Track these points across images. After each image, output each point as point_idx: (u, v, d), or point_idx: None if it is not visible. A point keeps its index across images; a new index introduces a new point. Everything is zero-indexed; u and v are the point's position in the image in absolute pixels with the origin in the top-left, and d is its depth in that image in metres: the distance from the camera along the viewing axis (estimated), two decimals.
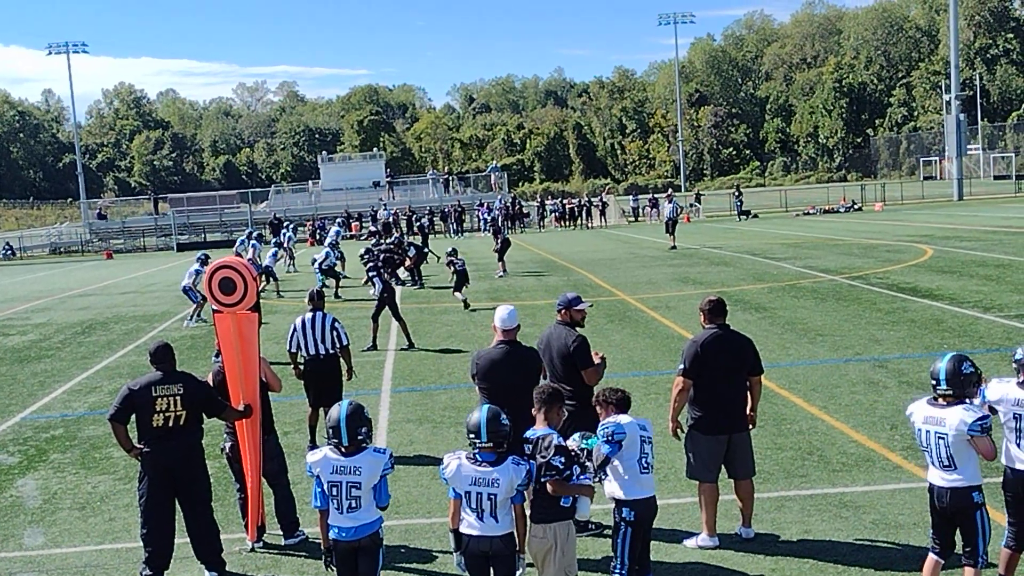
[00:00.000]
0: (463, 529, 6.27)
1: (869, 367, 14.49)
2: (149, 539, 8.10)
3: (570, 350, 8.45)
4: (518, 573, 6.39)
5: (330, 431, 6.47)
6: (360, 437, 6.45)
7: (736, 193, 61.88)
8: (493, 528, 6.20)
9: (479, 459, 6.25)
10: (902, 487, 9.32)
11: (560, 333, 8.60)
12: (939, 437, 6.40)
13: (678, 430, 8.48)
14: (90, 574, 8.41)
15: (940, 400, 6.47)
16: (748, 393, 8.46)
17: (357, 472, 6.36)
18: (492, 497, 6.17)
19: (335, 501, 6.39)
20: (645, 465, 6.74)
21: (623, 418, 6.80)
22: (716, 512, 8.32)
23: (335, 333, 11.60)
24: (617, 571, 6.72)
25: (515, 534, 6.27)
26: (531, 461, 6.31)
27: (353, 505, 6.38)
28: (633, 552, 6.65)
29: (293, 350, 11.72)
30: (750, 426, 8.51)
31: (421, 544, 8.62)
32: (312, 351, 11.57)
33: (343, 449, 6.43)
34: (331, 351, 11.61)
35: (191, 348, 19.77)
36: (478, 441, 6.25)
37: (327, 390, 11.43)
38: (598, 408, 7.04)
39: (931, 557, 6.74)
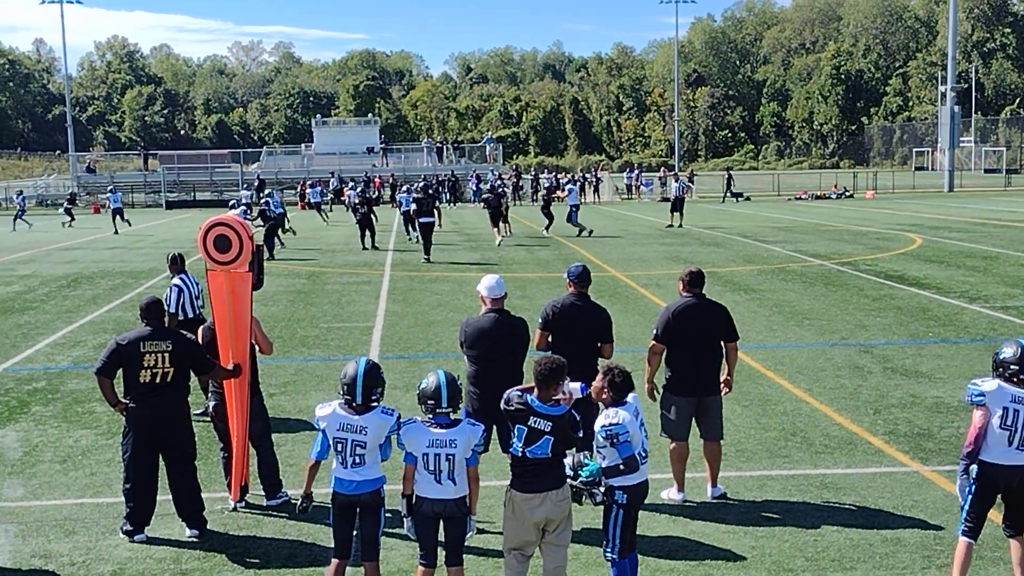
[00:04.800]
0: (418, 491, 6.30)
1: (855, 352, 14.54)
2: (131, 495, 8.09)
3: (602, 322, 8.60)
4: (469, 534, 6.45)
5: (344, 388, 6.45)
6: (374, 397, 6.47)
7: (727, 176, 61.71)
8: (450, 491, 6.26)
9: (435, 422, 6.30)
10: (883, 471, 9.38)
11: (587, 304, 8.69)
12: None
13: (654, 391, 8.80)
14: (70, 527, 8.39)
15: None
16: (724, 359, 8.79)
17: (363, 432, 6.39)
18: (450, 458, 6.23)
19: (340, 456, 6.43)
20: (643, 455, 6.63)
21: (622, 414, 6.57)
22: (684, 469, 8.71)
23: (202, 293, 12.02)
24: (609, 552, 6.67)
25: (468, 497, 6.34)
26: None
27: (357, 461, 6.42)
28: (624, 534, 6.63)
29: (173, 311, 11.83)
30: (725, 390, 8.80)
31: None
32: (190, 313, 11.89)
33: (354, 406, 6.43)
34: (200, 312, 11.98)
35: None
36: (438, 407, 6.28)
37: None
38: (600, 381, 6.77)
39: (966, 541, 6.70)
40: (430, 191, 30.69)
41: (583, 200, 61.08)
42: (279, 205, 31.24)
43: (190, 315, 11.88)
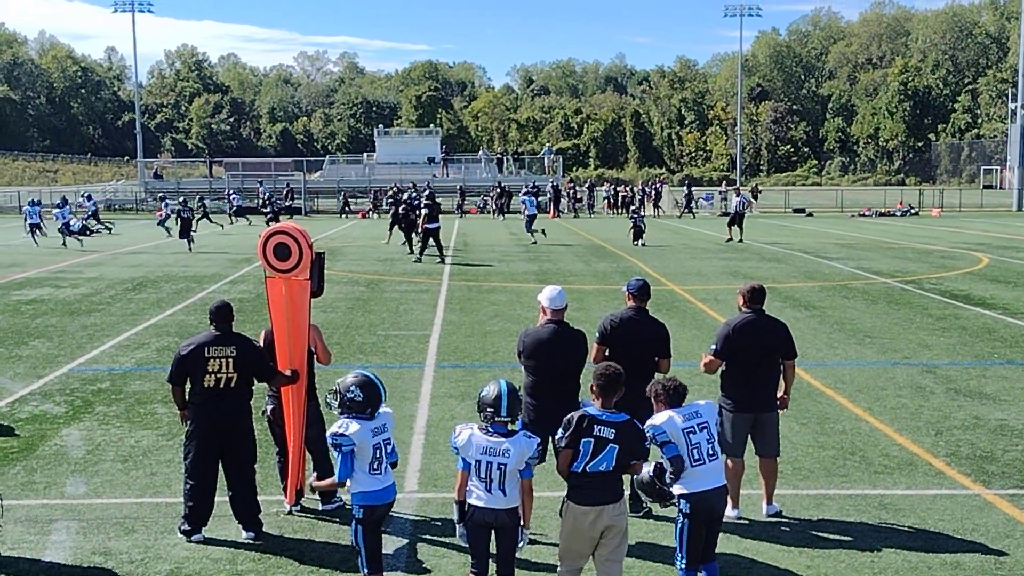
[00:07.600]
0: (470, 500, 6.32)
1: (917, 372, 14.31)
2: (191, 495, 8.20)
3: (659, 337, 8.59)
4: (520, 545, 6.44)
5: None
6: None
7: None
8: (500, 501, 6.25)
9: (491, 431, 6.31)
10: (944, 493, 9.21)
11: (645, 318, 8.68)
12: None
13: None
14: (129, 526, 8.52)
15: None
16: (782, 376, 8.72)
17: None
18: (502, 467, 6.23)
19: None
20: (697, 457, 6.60)
21: (659, 418, 6.66)
22: (740, 486, 8.64)
23: None
24: (679, 561, 6.70)
25: (520, 508, 6.32)
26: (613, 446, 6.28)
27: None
28: (692, 544, 6.61)
29: None
30: (782, 408, 8.75)
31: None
32: None
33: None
34: None
35: (239, 311, 19.91)
36: (496, 415, 6.30)
37: None
38: (651, 399, 6.92)
39: None
40: (436, 199, 32.73)
41: (644, 212, 61.03)
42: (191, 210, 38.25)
43: None
